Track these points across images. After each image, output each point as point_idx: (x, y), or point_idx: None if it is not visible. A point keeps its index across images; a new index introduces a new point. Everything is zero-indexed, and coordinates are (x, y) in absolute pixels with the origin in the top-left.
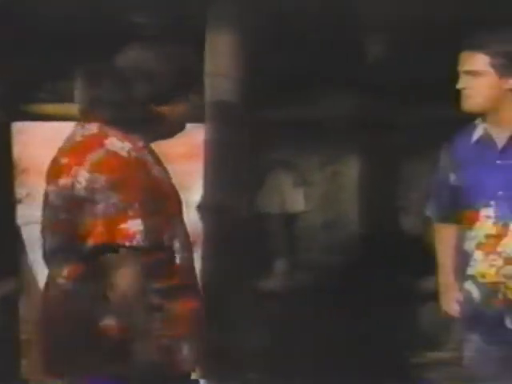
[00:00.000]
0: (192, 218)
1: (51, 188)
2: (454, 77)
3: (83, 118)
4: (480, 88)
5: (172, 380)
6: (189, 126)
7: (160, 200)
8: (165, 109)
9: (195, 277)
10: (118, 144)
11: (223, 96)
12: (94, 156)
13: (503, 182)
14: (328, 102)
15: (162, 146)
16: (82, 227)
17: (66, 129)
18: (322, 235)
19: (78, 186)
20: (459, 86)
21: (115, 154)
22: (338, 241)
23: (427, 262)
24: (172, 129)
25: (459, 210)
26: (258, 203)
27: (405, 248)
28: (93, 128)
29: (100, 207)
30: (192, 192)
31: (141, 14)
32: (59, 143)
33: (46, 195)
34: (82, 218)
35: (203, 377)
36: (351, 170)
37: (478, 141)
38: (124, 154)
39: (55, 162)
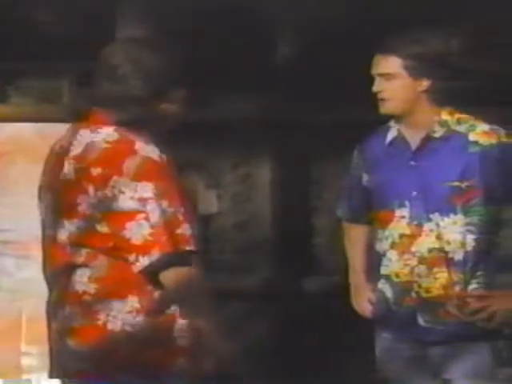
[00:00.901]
0: None
1: (80, 198)
2: (367, 78)
3: (84, 120)
4: (394, 91)
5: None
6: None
7: (186, 203)
8: (166, 106)
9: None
10: (148, 148)
11: None
12: (132, 164)
13: (417, 182)
14: (239, 102)
15: None
16: (135, 239)
17: None
18: (235, 236)
19: (121, 196)
20: (374, 89)
21: (151, 160)
22: (250, 242)
23: (340, 262)
24: (170, 126)
25: (372, 210)
26: None
27: (316, 248)
28: (110, 132)
29: (155, 216)
30: None
31: (45, 13)
32: None
33: (70, 205)
34: (134, 230)
35: None
36: (263, 171)
37: (391, 142)
38: (157, 158)
39: (89, 172)
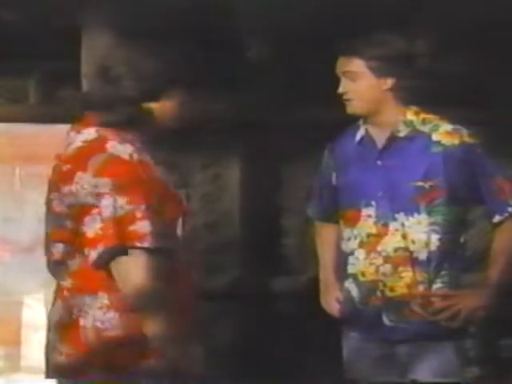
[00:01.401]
0: None
1: (54, 196)
2: (338, 78)
3: (76, 122)
4: (360, 90)
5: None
6: (65, 127)
7: (165, 201)
8: (155, 106)
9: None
10: (119, 147)
11: None
12: (97, 160)
13: (383, 182)
14: (210, 102)
15: (37, 147)
16: (89, 233)
17: None
18: (205, 236)
19: (82, 191)
20: (340, 90)
21: (118, 158)
22: (220, 242)
23: (309, 262)
24: (164, 127)
25: (341, 209)
26: None
27: (286, 248)
28: (91, 132)
29: (108, 211)
30: None
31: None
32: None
33: (49, 203)
34: (89, 224)
35: None
36: (233, 172)
37: (360, 141)
38: (126, 157)
39: (57, 169)
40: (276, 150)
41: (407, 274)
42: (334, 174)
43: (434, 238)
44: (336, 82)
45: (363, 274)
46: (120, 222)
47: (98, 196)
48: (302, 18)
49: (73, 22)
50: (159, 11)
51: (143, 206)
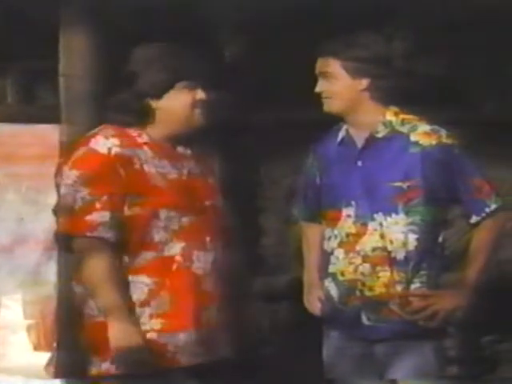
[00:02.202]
0: (47, 222)
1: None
2: (315, 77)
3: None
4: (335, 90)
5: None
6: (44, 126)
7: (144, 193)
8: (163, 103)
9: (196, 271)
10: (102, 142)
11: (78, 97)
12: (76, 154)
13: (362, 182)
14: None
15: (16, 147)
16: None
17: None
18: None
19: (63, 183)
20: (317, 89)
21: (94, 151)
22: None
23: (288, 262)
24: (178, 124)
25: (323, 209)
26: None
27: (264, 248)
28: (95, 129)
29: (67, 201)
30: (47, 194)
31: None
32: None
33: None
34: (58, 213)
35: None
36: None
37: (340, 142)
38: (104, 151)
39: (57, 163)
40: (255, 150)
41: (385, 274)
42: (318, 174)
43: (412, 238)
44: (314, 81)
45: (342, 274)
46: (77, 212)
47: (66, 187)
48: (278, 17)
49: (51, 21)
50: (134, 10)
51: (105, 197)
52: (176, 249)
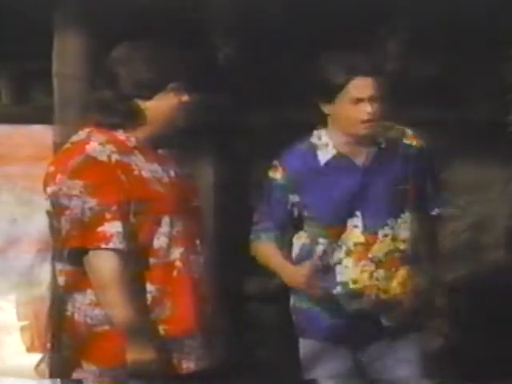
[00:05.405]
0: (41, 223)
1: (45, 197)
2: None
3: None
4: (377, 113)
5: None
6: (38, 127)
7: (146, 200)
8: (150, 104)
9: (194, 275)
10: (99, 148)
11: (72, 97)
12: (74, 162)
13: (367, 192)
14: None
15: (9, 147)
16: (63, 233)
17: None
18: None
19: (60, 192)
20: (369, 112)
21: (94, 159)
22: None
23: None
24: (162, 125)
25: (321, 225)
26: None
27: None
28: (82, 134)
29: (76, 212)
30: (41, 195)
31: None
32: None
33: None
34: (63, 225)
35: None
36: (206, 172)
37: (332, 159)
38: (104, 158)
39: (47, 170)
40: (247, 150)
41: (399, 273)
42: (295, 196)
43: (419, 233)
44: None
45: (355, 282)
46: (88, 224)
47: (70, 197)
48: (267, 19)
49: (44, 22)
50: (127, 11)
51: (114, 207)
52: (176, 254)
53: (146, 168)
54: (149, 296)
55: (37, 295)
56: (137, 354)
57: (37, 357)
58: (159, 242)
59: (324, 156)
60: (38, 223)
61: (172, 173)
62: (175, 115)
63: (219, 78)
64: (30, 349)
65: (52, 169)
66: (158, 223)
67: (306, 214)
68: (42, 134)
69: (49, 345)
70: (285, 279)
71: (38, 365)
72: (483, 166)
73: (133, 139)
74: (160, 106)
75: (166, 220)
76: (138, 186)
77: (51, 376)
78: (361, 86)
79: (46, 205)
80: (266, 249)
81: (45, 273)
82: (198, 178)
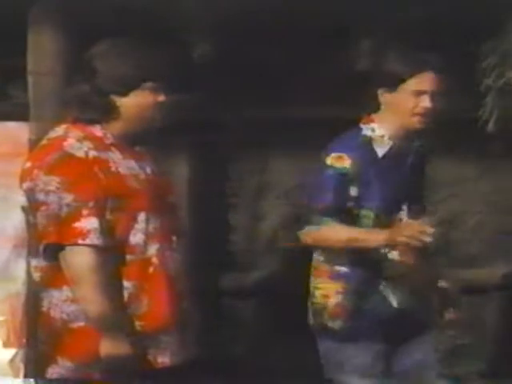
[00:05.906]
0: (16, 219)
1: (22, 192)
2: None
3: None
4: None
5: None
6: (13, 124)
7: (123, 197)
8: (126, 101)
9: (169, 272)
10: (76, 145)
11: (47, 94)
12: (51, 158)
13: (411, 186)
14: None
15: None
16: (38, 229)
17: None
18: None
19: (37, 188)
20: (429, 105)
21: (71, 156)
22: None
23: (254, 260)
24: (136, 123)
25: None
26: None
27: (232, 245)
28: (59, 130)
29: (52, 208)
30: (17, 192)
31: None
32: None
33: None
34: (39, 220)
35: None
36: (181, 169)
37: (388, 153)
38: (81, 154)
39: (23, 166)
40: (223, 147)
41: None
42: (354, 187)
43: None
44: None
45: (402, 276)
46: (65, 220)
47: (47, 193)
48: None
49: (19, 19)
50: (104, 8)
51: (91, 203)
52: (152, 250)
53: (122, 164)
54: (125, 292)
55: (12, 291)
56: (112, 349)
57: (12, 352)
58: (135, 238)
59: (381, 148)
60: (14, 219)
61: (148, 170)
62: (150, 113)
63: (195, 76)
64: (6, 344)
65: (28, 165)
66: (135, 219)
67: (359, 205)
68: (18, 132)
69: (24, 340)
70: (375, 242)
71: (12, 360)
72: (455, 163)
73: (110, 136)
74: (135, 104)
75: (142, 216)
76: (115, 183)
77: (26, 371)
78: (425, 80)
79: (22, 201)
80: (334, 228)
81: (20, 269)
82: (173, 174)
